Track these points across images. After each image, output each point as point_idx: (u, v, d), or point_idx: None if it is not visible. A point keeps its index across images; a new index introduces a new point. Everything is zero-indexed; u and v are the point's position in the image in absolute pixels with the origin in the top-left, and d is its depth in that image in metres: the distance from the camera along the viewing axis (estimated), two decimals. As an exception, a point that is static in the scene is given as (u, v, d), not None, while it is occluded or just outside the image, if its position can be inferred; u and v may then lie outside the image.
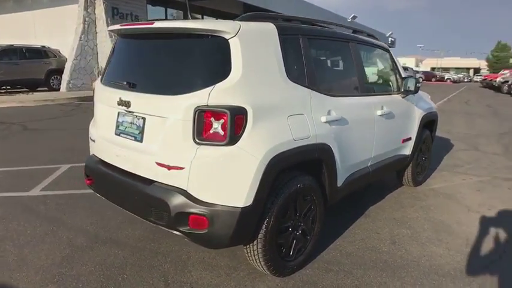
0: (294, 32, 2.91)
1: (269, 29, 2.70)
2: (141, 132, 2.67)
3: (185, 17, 23.07)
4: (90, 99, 14.34)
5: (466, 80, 60.21)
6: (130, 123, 2.76)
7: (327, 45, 3.43)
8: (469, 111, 14.33)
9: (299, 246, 2.96)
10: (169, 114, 2.47)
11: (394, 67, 4.32)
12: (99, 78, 3.20)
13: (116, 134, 2.88)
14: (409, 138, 4.53)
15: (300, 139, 2.70)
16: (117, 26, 2.91)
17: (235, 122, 2.34)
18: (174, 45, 2.63)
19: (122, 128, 2.83)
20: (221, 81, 2.39)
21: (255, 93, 2.49)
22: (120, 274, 2.90)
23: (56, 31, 18.15)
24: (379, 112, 3.74)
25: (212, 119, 2.36)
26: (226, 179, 2.40)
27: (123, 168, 2.78)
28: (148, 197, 2.54)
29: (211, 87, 2.38)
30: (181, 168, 2.42)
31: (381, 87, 4.19)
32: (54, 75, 16.45)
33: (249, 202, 2.42)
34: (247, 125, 2.39)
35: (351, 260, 3.19)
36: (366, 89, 3.76)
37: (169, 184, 2.49)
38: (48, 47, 16.71)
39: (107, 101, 2.94)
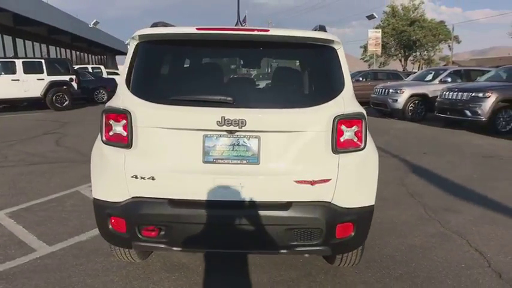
0: None
1: None
2: (257, 152, 2.34)
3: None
4: None
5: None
6: (233, 145, 2.34)
7: None
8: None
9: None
10: (306, 127, 2.34)
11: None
12: (140, 97, 2.41)
13: (205, 161, 2.35)
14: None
15: None
16: (191, 29, 2.32)
17: (366, 126, 2.49)
18: (289, 55, 2.43)
19: (216, 153, 2.35)
20: (342, 89, 2.47)
21: None
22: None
23: None
24: None
25: (343, 126, 2.41)
26: (364, 181, 2.51)
27: (230, 199, 2.33)
28: (293, 220, 2.31)
29: (340, 96, 2.43)
30: (328, 180, 2.35)
31: None
32: None
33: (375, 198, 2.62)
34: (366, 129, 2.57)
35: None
36: None
37: (310, 200, 2.36)
38: None
39: (184, 123, 2.33)
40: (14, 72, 14.21)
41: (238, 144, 2.35)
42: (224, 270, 3.07)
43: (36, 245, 3.50)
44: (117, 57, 50.71)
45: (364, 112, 2.52)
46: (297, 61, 2.63)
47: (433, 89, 12.47)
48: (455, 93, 10.49)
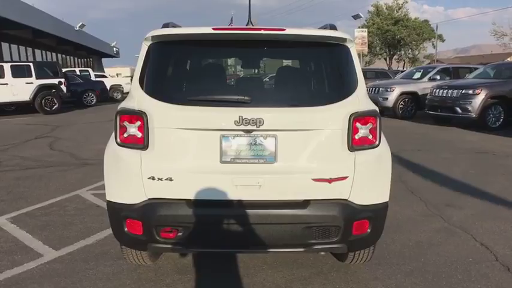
0: None
1: None
2: (274, 151, 2.35)
3: None
4: None
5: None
6: (250, 144, 2.35)
7: None
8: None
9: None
10: (322, 125, 2.36)
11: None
12: (155, 98, 2.38)
13: (223, 162, 2.35)
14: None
15: None
16: (207, 30, 2.31)
17: (380, 123, 2.51)
18: (304, 53, 2.44)
19: (233, 153, 2.35)
20: (356, 87, 2.49)
21: None
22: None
23: None
24: None
25: (358, 124, 2.43)
26: (379, 178, 2.54)
27: (248, 199, 2.34)
28: (312, 218, 2.33)
29: (355, 93, 2.45)
30: (345, 178, 2.38)
31: None
32: None
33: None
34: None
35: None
36: None
37: (328, 198, 2.38)
38: None
39: (202, 123, 2.32)
40: (2, 76, 13.98)
41: (255, 144, 2.36)
42: (237, 271, 3.06)
43: (42, 249, 3.44)
44: (103, 60, 50.23)
45: (378, 109, 2.55)
46: (312, 60, 2.64)
47: (423, 86, 12.66)
48: (445, 91, 10.65)
